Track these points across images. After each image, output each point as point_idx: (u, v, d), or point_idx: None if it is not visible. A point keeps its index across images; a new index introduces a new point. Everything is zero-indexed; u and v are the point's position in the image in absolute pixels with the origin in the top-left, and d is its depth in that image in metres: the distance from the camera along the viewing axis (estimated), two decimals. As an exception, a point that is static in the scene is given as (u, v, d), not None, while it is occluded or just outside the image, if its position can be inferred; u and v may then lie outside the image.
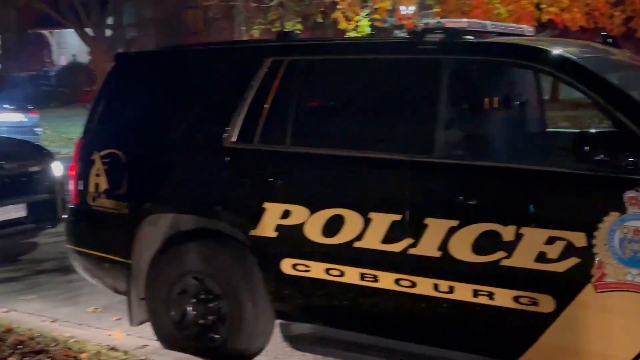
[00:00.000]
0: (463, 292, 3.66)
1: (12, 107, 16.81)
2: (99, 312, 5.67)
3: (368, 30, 13.44)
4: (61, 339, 4.56)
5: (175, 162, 4.55)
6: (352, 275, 3.92)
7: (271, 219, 4.10)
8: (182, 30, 27.91)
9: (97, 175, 4.76)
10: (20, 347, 4.38)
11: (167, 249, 4.53)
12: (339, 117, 4.15)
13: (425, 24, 4.06)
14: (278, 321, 4.37)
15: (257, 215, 4.13)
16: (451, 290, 3.68)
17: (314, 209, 3.98)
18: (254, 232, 4.16)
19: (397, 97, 4.02)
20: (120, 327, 5.06)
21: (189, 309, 4.42)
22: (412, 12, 14.22)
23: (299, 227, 4.01)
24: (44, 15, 29.13)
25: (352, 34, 13.25)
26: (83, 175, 4.85)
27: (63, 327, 5.08)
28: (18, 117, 16.58)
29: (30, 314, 5.53)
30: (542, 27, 13.93)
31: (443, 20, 4.07)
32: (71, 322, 5.37)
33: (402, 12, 14.13)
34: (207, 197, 4.39)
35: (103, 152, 4.74)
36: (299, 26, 19.41)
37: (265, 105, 4.24)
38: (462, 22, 4.04)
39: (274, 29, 18.06)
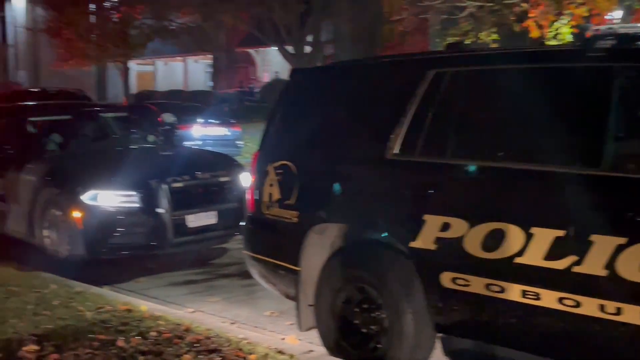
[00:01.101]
0: (632, 314, 3.41)
1: (217, 121, 18.11)
2: (275, 316, 5.92)
3: (570, 37, 12.89)
4: (234, 340, 4.83)
5: (341, 173, 4.67)
6: (512, 291, 3.80)
7: (431, 231, 4.08)
8: (377, 44, 28.34)
9: (271, 185, 5.01)
10: (197, 345, 4.70)
11: (333, 258, 4.66)
12: (501, 128, 4.04)
13: (596, 30, 3.85)
14: (439, 335, 4.34)
15: (417, 227, 4.13)
16: (619, 312, 3.45)
17: (473, 222, 3.91)
18: (413, 244, 4.17)
19: (563, 108, 3.84)
20: (294, 331, 5.23)
21: (353, 317, 4.50)
22: (613, 18, 13.46)
23: (458, 240, 3.96)
24: (250, 35, 30.96)
25: (551, 42, 12.77)
26: (258, 185, 5.13)
27: (239, 328, 5.37)
28: (222, 131, 17.85)
29: (212, 315, 5.92)
30: None
31: (615, 26, 3.84)
32: (248, 324, 5.67)
33: (607, 18, 13.40)
34: (369, 208, 4.46)
35: (276, 164, 4.98)
36: (495, 36, 19.04)
37: (427, 118, 4.24)
38: (638, 27, 3.79)
39: (467, 40, 17.85)
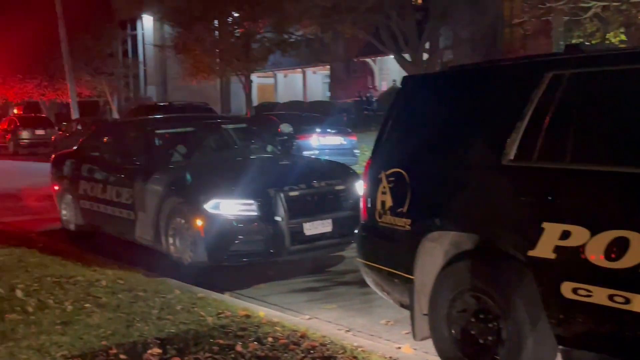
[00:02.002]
0: None
1: (333, 131, 18.31)
2: (391, 324, 5.87)
3: None
4: (349, 348, 4.85)
5: (454, 180, 4.59)
6: (638, 303, 3.60)
7: (550, 240, 3.93)
8: (498, 48, 27.78)
9: (383, 193, 4.99)
10: (312, 352, 4.75)
11: (448, 266, 4.58)
12: (624, 132, 3.84)
13: None
14: (560, 347, 4.17)
15: (535, 235, 3.99)
16: None
17: (595, 230, 3.74)
18: (532, 253, 4.03)
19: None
20: (409, 341, 5.17)
21: (469, 327, 4.41)
22: None
23: (579, 249, 3.80)
24: (367, 44, 31.06)
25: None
26: (371, 193, 5.13)
27: (355, 336, 5.39)
28: (338, 140, 18.03)
29: (328, 322, 5.96)
30: None
31: None
32: (364, 332, 5.66)
33: None
34: (485, 216, 4.35)
35: (388, 171, 4.97)
36: (622, 36, 18.18)
37: (544, 122, 4.10)
38: None
39: (593, 41, 17.15)
